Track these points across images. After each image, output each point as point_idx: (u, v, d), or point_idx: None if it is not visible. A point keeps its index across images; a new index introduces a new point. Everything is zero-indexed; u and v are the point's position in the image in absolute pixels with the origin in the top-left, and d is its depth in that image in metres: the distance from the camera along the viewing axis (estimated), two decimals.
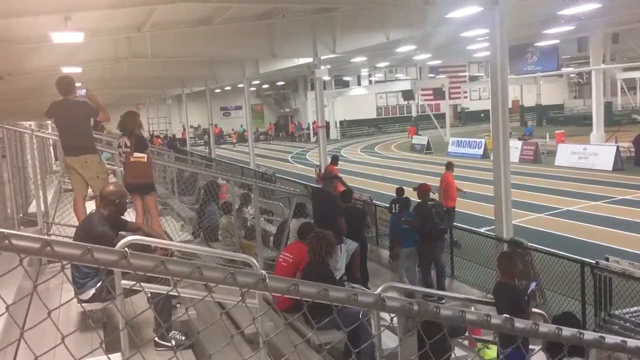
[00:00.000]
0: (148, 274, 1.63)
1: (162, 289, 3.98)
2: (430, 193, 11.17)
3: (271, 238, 10.64)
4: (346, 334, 4.24)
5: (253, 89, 51.32)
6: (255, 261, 4.91)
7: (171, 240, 7.99)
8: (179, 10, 12.38)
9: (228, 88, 46.75)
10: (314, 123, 43.96)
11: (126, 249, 1.54)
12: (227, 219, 9.66)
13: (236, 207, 9.80)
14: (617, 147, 24.47)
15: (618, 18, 23.71)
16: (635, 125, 32.38)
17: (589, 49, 29.78)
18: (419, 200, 10.63)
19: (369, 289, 8.89)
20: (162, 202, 11.66)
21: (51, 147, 14.05)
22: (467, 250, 11.32)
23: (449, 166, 14.42)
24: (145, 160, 6.69)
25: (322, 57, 19.07)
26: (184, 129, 43.75)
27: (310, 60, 19.56)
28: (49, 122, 10.57)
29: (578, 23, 21.48)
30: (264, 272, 1.75)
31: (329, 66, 24.29)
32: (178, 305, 5.15)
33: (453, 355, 4.18)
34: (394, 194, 12.83)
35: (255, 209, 9.29)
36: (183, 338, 4.87)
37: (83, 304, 4.67)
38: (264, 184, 12.84)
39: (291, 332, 5.60)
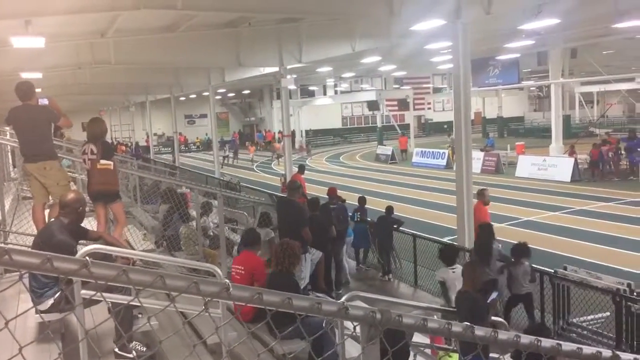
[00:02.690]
0: (108, 284, 1.60)
1: (123, 299, 3.91)
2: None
3: (235, 247, 10.56)
4: (310, 343, 4.24)
5: (218, 97, 51.05)
6: (219, 270, 4.88)
7: (133, 249, 7.87)
8: (143, 17, 12.26)
9: (193, 96, 46.39)
10: (279, 132, 43.83)
11: (87, 257, 1.52)
12: (188, 228, 9.55)
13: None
14: (575, 159, 25.13)
15: (576, 33, 24.43)
16: (592, 138, 33.24)
17: (549, 63, 30.56)
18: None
19: (333, 298, 8.91)
20: (125, 211, 11.45)
21: (9, 153, 13.68)
22: (430, 259, 11.43)
23: (479, 195, 11.30)
24: (112, 168, 6.58)
25: (288, 67, 19.11)
26: (148, 137, 43.22)
27: (276, 69, 19.58)
28: (7, 128, 10.32)
29: (538, 38, 22.07)
30: (227, 281, 1.75)
31: (295, 75, 24.35)
32: (139, 316, 5.06)
33: None
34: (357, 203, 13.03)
35: (220, 218, 9.22)
36: (144, 349, 4.79)
37: (41, 315, 4.55)
38: (229, 193, 12.75)
39: (255, 342, 5.56)
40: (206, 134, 52.90)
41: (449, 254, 8.38)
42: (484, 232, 8.74)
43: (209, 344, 5.07)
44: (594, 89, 48.79)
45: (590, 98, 53.47)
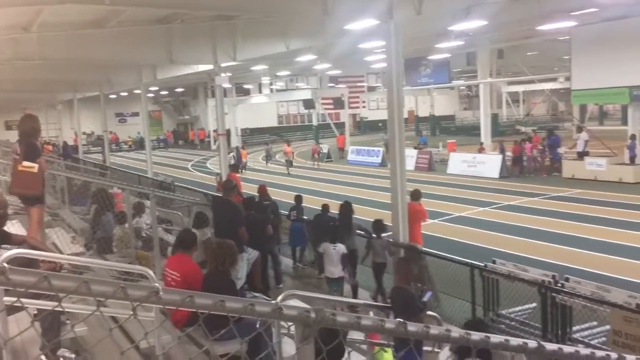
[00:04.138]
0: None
1: (48, 305, 3.75)
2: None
3: (169, 248, 10.35)
4: (247, 344, 4.20)
5: (151, 95, 49.89)
6: (151, 273, 4.77)
7: (61, 253, 7.57)
8: (69, 11, 11.82)
9: (124, 94, 45.14)
10: (214, 131, 43.15)
11: (5, 264, 1.45)
12: (122, 229, 9.29)
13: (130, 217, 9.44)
14: (503, 156, 26.07)
15: (503, 35, 25.38)
16: (519, 136, 34.56)
17: (477, 63, 31.55)
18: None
19: (270, 297, 8.88)
20: (52, 213, 11.04)
21: None
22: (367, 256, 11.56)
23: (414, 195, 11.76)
24: (36, 171, 6.23)
25: (223, 65, 18.89)
26: (76, 136, 41.73)
27: (210, 67, 19.32)
28: None
29: (467, 39, 22.80)
30: (157, 284, 1.70)
31: (229, 73, 24.09)
32: (68, 322, 4.88)
33: None
34: (294, 202, 13.06)
35: (153, 219, 9.01)
36: (73, 356, 4.62)
37: None
38: (162, 193, 12.50)
39: (191, 346, 5.46)
40: (138, 133, 51.62)
41: (333, 232, 10.14)
42: (345, 209, 10.53)
43: (142, 348, 4.94)
44: (520, 88, 50.85)
45: (517, 97, 55.67)
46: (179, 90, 54.89)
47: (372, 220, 10.89)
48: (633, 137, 22.69)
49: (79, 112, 36.58)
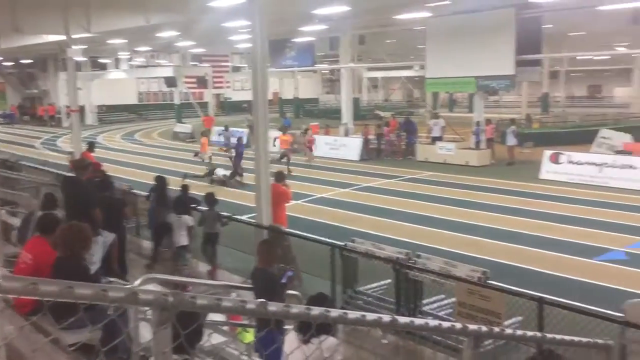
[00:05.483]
0: None
1: None
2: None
3: (14, 232, 9.56)
4: (100, 331, 4.00)
5: None
6: None
7: None
8: None
9: None
10: (67, 107, 40.18)
11: None
12: None
13: None
14: (363, 139, 27.09)
15: (364, 22, 26.20)
16: (379, 120, 36.01)
17: (340, 48, 32.31)
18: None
19: (127, 281, 8.53)
20: None
21: None
22: (229, 237, 11.50)
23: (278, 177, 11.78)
24: None
25: (75, 36, 17.63)
26: None
27: (61, 38, 17.95)
28: None
29: (330, 23, 23.25)
30: None
31: (83, 46, 22.59)
32: None
33: (210, 343, 4.22)
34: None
35: None
36: None
37: None
38: (6, 172, 11.52)
39: (37, 335, 5.09)
40: None
41: (179, 205, 10.86)
42: (159, 184, 11.40)
43: None
44: (379, 74, 53.02)
45: (376, 83, 58.03)
46: (26, 61, 50.47)
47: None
48: (478, 123, 24.61)
49: None
